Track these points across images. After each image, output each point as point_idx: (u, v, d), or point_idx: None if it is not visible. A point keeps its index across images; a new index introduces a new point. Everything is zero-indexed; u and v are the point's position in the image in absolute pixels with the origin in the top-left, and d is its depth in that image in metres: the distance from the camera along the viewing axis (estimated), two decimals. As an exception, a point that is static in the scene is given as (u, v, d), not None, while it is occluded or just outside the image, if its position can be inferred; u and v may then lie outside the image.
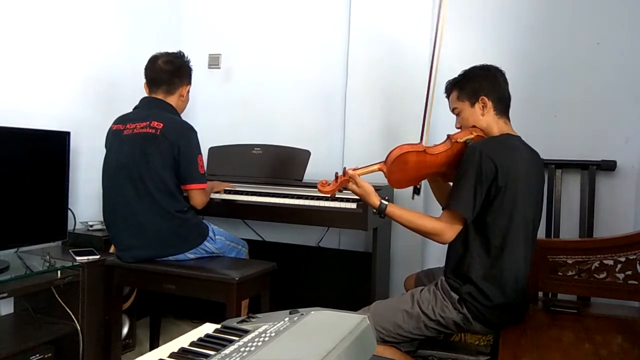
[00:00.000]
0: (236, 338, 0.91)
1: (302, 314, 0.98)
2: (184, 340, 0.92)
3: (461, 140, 1.66)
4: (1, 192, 1.97)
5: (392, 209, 1.64)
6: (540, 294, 2.02)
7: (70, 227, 2.32)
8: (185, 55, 2.19)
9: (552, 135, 2.42)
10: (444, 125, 2.29)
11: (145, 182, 1.98)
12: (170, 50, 2.18)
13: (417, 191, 2.02)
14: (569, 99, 2.43)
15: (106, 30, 2.63)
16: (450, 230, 1.58)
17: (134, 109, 2.15)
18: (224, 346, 0.86)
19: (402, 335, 1.63)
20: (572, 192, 2.42)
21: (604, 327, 1.66)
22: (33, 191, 2.09)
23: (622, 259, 1.82)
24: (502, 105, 1.69)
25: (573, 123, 2.42)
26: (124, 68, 2.70)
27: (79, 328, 2.07)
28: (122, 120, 2.11)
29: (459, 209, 1.56)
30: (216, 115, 3.09)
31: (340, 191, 1.75)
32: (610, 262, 1.84)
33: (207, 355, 0.84)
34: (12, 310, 2.23)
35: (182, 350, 0.88)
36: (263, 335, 0.89)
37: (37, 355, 1.98)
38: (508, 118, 1.71)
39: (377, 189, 1.75)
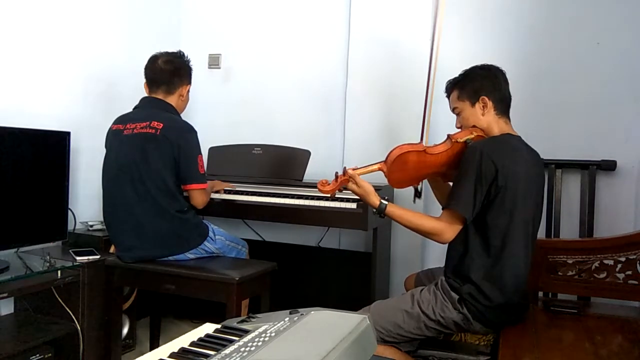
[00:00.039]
0: (236, 338, 0.91)
1: (302, 314, 0.98)
2: (184, 340, 0.92)
3: (461, 140, 1.66)
4: (1, 192, 1.97)
5: (391, 209, 1.64)
6: (541, 294, 2.02)
7: (70, 227, 2.32)
8: (185, 54, 2.19)
9: (552, 135, 2.42)
10: (444, 125, 2.29)
11: (145, 182, 1.98)
12: (170, 50, 2.18)
13: (418, 195, 2.02)
14: (569, 99, 2.43)
15: (106, 30, 2.63)
16: (450, 230, 1.58)
17: (133, 109, 2.15)
18: (224, 346, 0.86)
19: (402, 335, 1.62)
20: (572, 192, 2.42)
21: (604, 327, 1.66)
22: (33, 191, 2.09)
23: (622, 259, 1.82)
24: (503, 105, 1.69)
25: (573, 123, 2.42)
26: (124, 68, 2.70)
27: (79, 328, 2.07)
28: (122, 120, 2.11)
29: (458, 208, 1.56)
30: (216, 115, 3.09)
31: (340, 191, 1.75)
32: (611, 262, 1.84)
33: (207, 355, 0.84)
34: (12, 310, 2.23)
35: (182, 350, 0.88)
36: (263, 335, 0.89)
37: (37, 355, 1.98)
38: (508, 118, 1.71)
39: (377, 189, 1.75)
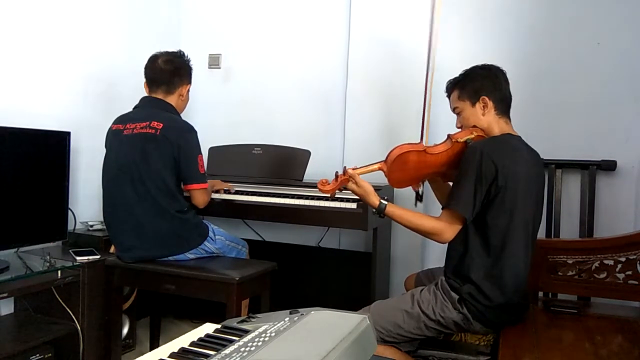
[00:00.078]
0: (236, 338, 0.91)
1: (302, 314, 0.98)
2: (184, 340, 0.92)
3: (462, 140, 1.65)
4: (1, 192, 1.97)
5: (391, 209, 1.64)
6: (541, 294, 2.02)
7: (70, 227, 2.32)
8: (185, 54, 2.19)
9: (552, 135, 2.42)
10: (444, 124, 2.29)
11: (145, 182, 1.98)
12: (170, 50, 2.17)
13: (419, 198, 2.02)
14: (569, 99, 2.43)
15: (106, 30, 2.63)
16: (450, 230, 1.58)
17: (133, 109, 2.15)
18: (224, 346, 0.86)
19: (402, 335, 1.62)
20: (572, 192, 2.42)
21: (604, 327, 1.66)
22: (33, 191, 2.09)
23: (622, 259, 1.82)
24: (503, 105, 1.69)
25: (573, 123, 2.42)
26: (124, 68, 2.70)
27: (79, 328, 2.07)
28: (121, 120, 2.10)
29: (458, 208, 1.56)
30: (216, 115, 3.09)
31: (340, 190, 1.75)
32: (611, 262, 1.84)
33: (207, 355, 0.84)
34: (12, 310, 2.23)
35: (182, 350, 0.88)
36: (263, 335, 0.89)
37: (37, 355, 1.98)
38: (509, 118, 1.71)
39: (377, 189, 1.75)
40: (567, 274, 1.90)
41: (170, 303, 2.72)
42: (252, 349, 0.82)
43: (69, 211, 2.27)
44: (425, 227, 1.60)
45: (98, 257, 2.14)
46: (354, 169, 1.67)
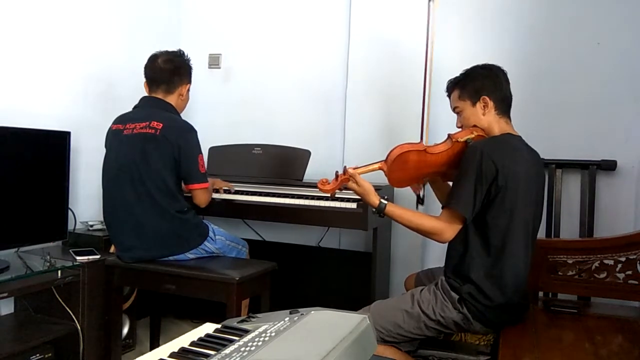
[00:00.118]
0: (236, 338, 0.91)
1: (302, 314, 0.98)
2: (184, 340, 0.92)
3: (462, 140, 1.65)
4: (1, 192, 1.97)
5: (391, 208, 1.64)
6: (541, 293, 2.02)
7: (70, 227, 2.32)
8: (185, 53, 2.18)
9: (552, 135, 2.42)
10: (444, 124, 2.29)
11: (145, 182, 1.98)
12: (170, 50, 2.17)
13: (421, 201, 2.02)
14: (569, 99, 2.43)
15: (106, 30, 2.63)
16: (450, 230, 1.58)
17: (133, 109, 2.15)
18: (224, 346, 0.86)
19: (402, 335, 1.62)
20: (572, 192, 2.42)
21: (604, 327, 1.66)
22: (33, 191, 2.09)
23: (622, 259, 1.82)
24: (504, 105, 1.69)
25: (573, 123, 2.42)
26: (124, 68, 2.70)
27: (79, 328, 2.07)
28: (121, 120, 2.10)
29: (458, 208, 1.56)
30: (216, 115, 3.09)
31: (340, 190, 1.75)
32: (611, 262, 1.84)
33: (207, 355, 0.84)
34: (12, 310, 2.23)
35: (183, 350, 0.88)
36: (263, 335, 0.89)
37: (37, 355, 1.98)
38: (509, 118, 1.71)
39: (377, 188, 1.75)
40: (567, 274, 1.90)
41: (170, 303, 2.72)
42: (252, 348, 0.82)
43: (69, 211, 2.27)
44: (425, 227, 1.60)
45: (98, 257, 2.14)
46: (354, 168, 1.68)
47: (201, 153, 2.07)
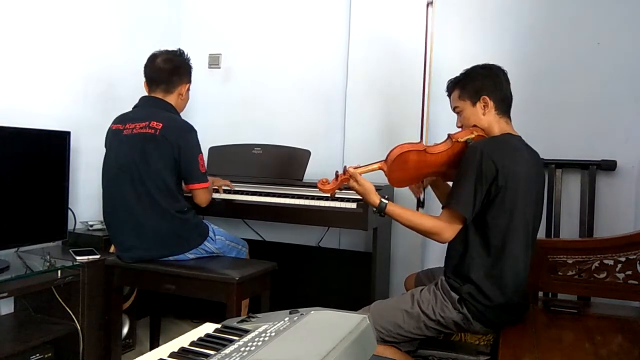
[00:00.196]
0: (236, 338, 0.90)
1: (302, 314, 0.98)
2: (184, 340, 0.92)
3: (462, 140, 1.65)
4: (1, 192, 1.97)
5: (391, 208, 1.64)
6: (541, 294, 2.02)
7: (70, 226, 2.32)
8: (185, 53, 2.18)
9: (552, 135, 2.42)
10: (444, 124, 2.29)
11: (145, 182, 1.98)
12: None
13: (421, 204, 2.02)
14: (569, 99, 2.43)
15: (106, 30, 2.63)
16: (450, 229, 1.58)
17: (133, 108, 2.14)
18: (224, 346, 0.86)
19: (402, 335, 1.62)
20: (572, 192, 2.42)
21: (604, 327, 1.66)
22: (33, 191, 2.09)
23: (622, 259, 1.82)
24: (504, 105, 1.69)
25: (573, 123, 2.42)
26: (124, 68, 2.70)
27: (79, 328, 2.07)
28: (121, 119, 2.10)
29: (458, 208, 1.56)
30: (216, 115, 3.09)
31: (340, 190, 1.75)
32: (610, 262, 1.84)
33: (207, 355, 0.84)
34: (12, 310, 2.23)
35: (182, 349, 0.88)
36: (263, 335, 0.89)
37: (37, 355, 1.98)
38: (509, 118, 1.71)
39: (378, 188, 1.75)
40: (567, 274, 1.90)
41: (170, 303, 2.72)
42: (252, 348, 0.82)
43: (69, 211, 2.27)
44: (425, 227, 1.60)
45: (98, 257, 2.14)
46: (354, 168, 1.68)
47: (201, 153, 2.07)
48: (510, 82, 1.71)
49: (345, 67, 2.78)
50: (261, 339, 0.87)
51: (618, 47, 2.35)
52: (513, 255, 1.57)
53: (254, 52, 3.04)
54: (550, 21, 2.46)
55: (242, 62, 3.08)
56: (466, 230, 1.60)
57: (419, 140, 2.29)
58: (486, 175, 1.53)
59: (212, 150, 2.71)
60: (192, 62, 2.21)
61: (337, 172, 1.70)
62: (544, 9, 2.47)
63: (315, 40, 2.90)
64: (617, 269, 1.82)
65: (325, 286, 2.71)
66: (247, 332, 0.93)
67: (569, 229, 2.39)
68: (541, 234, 2.06)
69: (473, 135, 1.66)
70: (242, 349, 0.83)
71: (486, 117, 1.68)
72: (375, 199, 1.65)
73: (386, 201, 1.64)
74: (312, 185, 2.23)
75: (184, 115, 2.21)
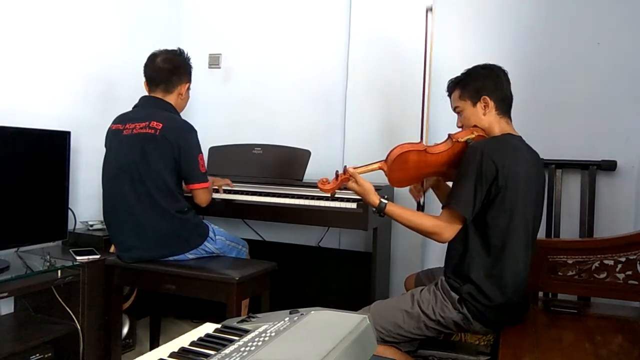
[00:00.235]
0: (236, 338, 0.90)
1: (302, 314, 0.98)
2: (184, 340, 0.92)
3: (462, 140, 1.65)
4: (1, 192, 1.97)
5: (391, 208, 1.64)
6: (541, 294, 2.02)
7: (70, 226, 2.32)
8: (185, 52, 2.18)
9: (552, 135, 2.42)
10: (444, 124, 2.29)
11: (145, 182, 1.98)
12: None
13: (421, 208, 2.02)
14: (569, 99, 2.43)
15: (106, 30, 2.63)
16: (450, 229, 1.58)
17: (133, 108, 2.14)
18: (224, 346, 0.86)
19: (402, 335, 1.62)
20: (572, 192, 2.42)
21: (604, 327, 1.66)
22: (33, 191, 2.09)
23: (622, 259, 1.82)
24: (504, 105, 1.69)
25: (573, 123, 2.42)
26: (124, 68, 2.70)
27: (79, 328, 2.07)
28: (121, 119, 2.10)
29: (458, 208, 1.56)
30: (216, 115, 3.09)
31: (340, 190, 1.75)
32: (611, 262, 1.84)
33: (207, 355, 0.84)
34: (12, 310, 2.23)
35: (182, 349, 0.88)
36: (263, 335, 0.89)
37: (37, 355, 1.98)
38: (510, 118, 1.71)
39: (378, 188, 1.75)
40: (567, 274, 1.90)
41: (170, 303, 2.72)
42: (252, 348, 0.82)
43: (69, 211, 2.27)
44: (425, 226, 1.60)
45: (98, 256, 2.14)
46: (354, 168, 1.68)
47: (201, 153, 2.07)
48: (511, 82, 1.71)
49: (345, 67, 2.78)
50: (261, 339, 0.87)
51: (618, 47, 2.35)
52: (513, 255, 1.57)
53: (254, 52, 3.04)
54: (550, 21, 2.46)
55: (242, 62, 3.08)
56: (466, 230, 1.60)
57: (419, 140, 2.30)
58: (486, 175, 1.53)
59: (212, 150, 2.71)
60: (192, 62, 2.21)
61: (337, 172, 1.70)
62: (544, 9, 2.47)
63: (315, 40, 2.90)
64: (617, 269, 1.82)
65: (325, 286, 2.71)
66: (247, 332, 0.93)
67: (569, 229, 2.39)
68: (541, 234, 2.06)
69: (473, 135, 1.66)
70: (242, 349, 0.83)
71: (487, 117, 1.68)
72: (374, 199, 1.65)
73: (386, 201, 1.64)
74: (312, 185, 2.23)
75: (184, 115, 2.21)
